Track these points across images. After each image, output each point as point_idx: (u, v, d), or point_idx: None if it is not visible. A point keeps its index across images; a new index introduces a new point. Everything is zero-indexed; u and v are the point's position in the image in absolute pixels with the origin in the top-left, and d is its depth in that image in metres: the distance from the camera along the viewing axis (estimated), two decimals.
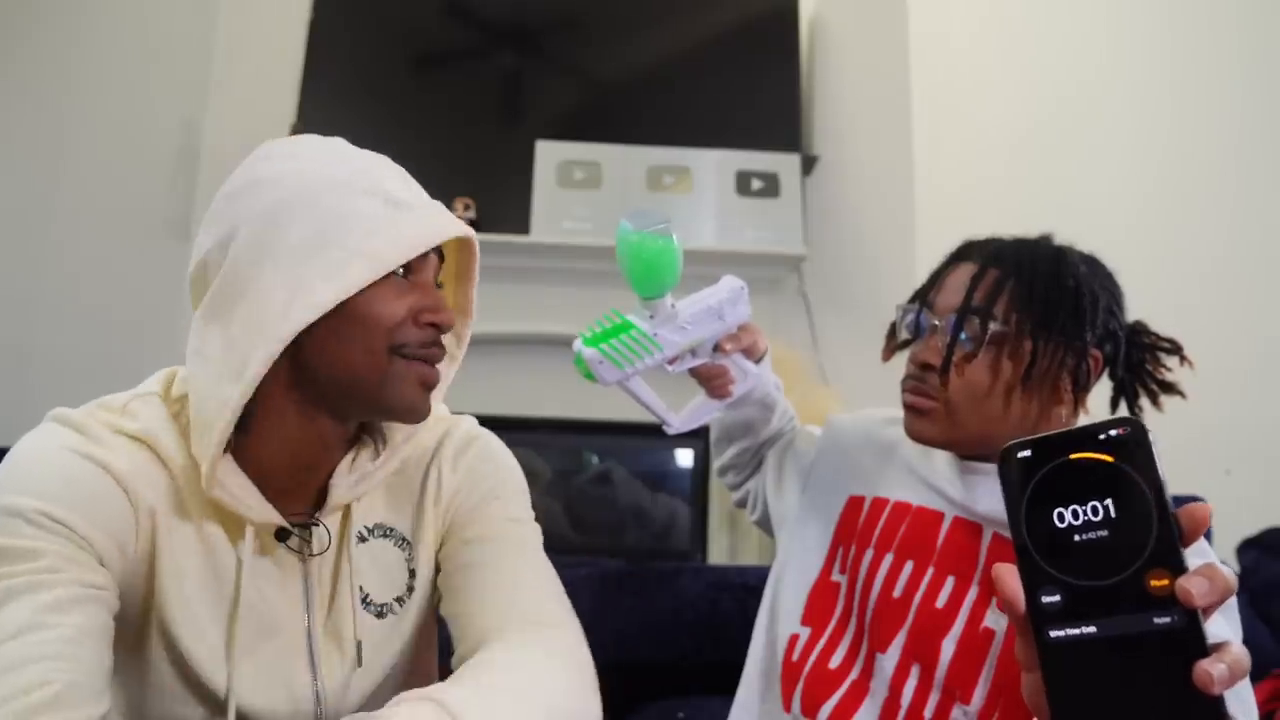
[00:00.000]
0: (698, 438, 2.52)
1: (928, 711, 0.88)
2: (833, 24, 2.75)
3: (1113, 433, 0.44)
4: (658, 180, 2.53)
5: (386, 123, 2.59)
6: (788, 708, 0.97)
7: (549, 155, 2.52)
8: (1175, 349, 1.00)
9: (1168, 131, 2.91)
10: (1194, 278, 2.77)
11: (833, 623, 0.99)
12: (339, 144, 0.76)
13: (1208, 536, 2.08)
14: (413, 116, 2.61)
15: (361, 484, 0.79)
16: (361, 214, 0.69)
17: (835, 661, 0.96)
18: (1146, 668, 0.41)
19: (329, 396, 0.73)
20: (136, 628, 0.71)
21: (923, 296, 0.98)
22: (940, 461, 0.99)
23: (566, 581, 0.82)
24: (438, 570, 0.84)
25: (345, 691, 0.78)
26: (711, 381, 1.02)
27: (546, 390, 2.47)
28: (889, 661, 0.92)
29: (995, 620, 0.88)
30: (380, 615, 0.80)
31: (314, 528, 0.78)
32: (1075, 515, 0.44)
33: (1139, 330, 1.00)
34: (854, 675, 0.94)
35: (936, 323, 0.94)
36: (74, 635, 0.62)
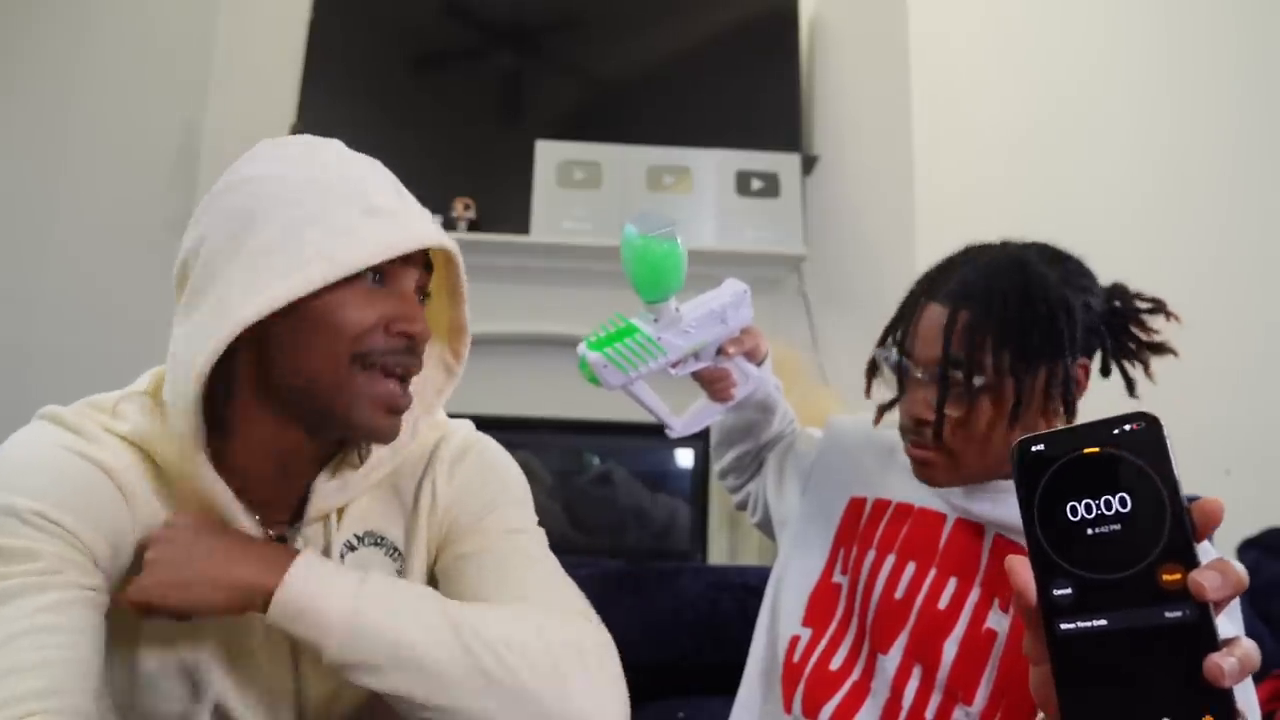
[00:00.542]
0: (698, 438, 2.52)
1: (929, 713, 0.88)
2: (833, 24, 2.75)
3: (1126, 427, 0.44)
4: (658, 180, 2.53)
5: (386, 123, 2.59)
6: (789, 709, 0.97)
7: (549, 155, 2.52)
8: (1158, 307, 1.00)
9: (1167, 131, 2.91)
10: (1193, 277, 2.77)
11: (834, 624, 0.99)
12: (330, 147, 0.75)
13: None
14: (413, 116, 2.61)
15: (343, 493, 0.77)
16: (332, 217, 0.68)
17: (836, 663, 0.96)
18: (1157, 661, 0.40)
19: (295, 407, 0.71)
20: (130, 624, 0.71)
21: (900, 344, 0.96)
22: None
23: None
24: (433, 582, 0.82)
25: (333, 701, 0.77)
26: (714, 385, 1.02)
27: (546, 390, 2.47)
28: (891, 663, 0.92)
29: (997, 621, 0.88)
30: None
31: (292, 536, 0.76)
32: (1088, 509, 0.44)
33: (1118, 294, 0.99)
34: (855, 676, 0.94)
35: (919, 375, 0.93)
36: (69, 640, 0.62)
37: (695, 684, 1.51)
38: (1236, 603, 0.86)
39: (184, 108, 2.71)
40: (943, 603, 0.91)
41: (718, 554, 2.48)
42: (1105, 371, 0.97)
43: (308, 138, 0.76)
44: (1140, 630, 0.41)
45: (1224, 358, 2.69)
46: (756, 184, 2.52)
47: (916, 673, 0.90)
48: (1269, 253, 2.85)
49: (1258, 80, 2.95)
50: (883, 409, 1.04)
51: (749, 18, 2.68)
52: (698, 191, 2.52)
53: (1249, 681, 0.80)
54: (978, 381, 0.89)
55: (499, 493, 0.83)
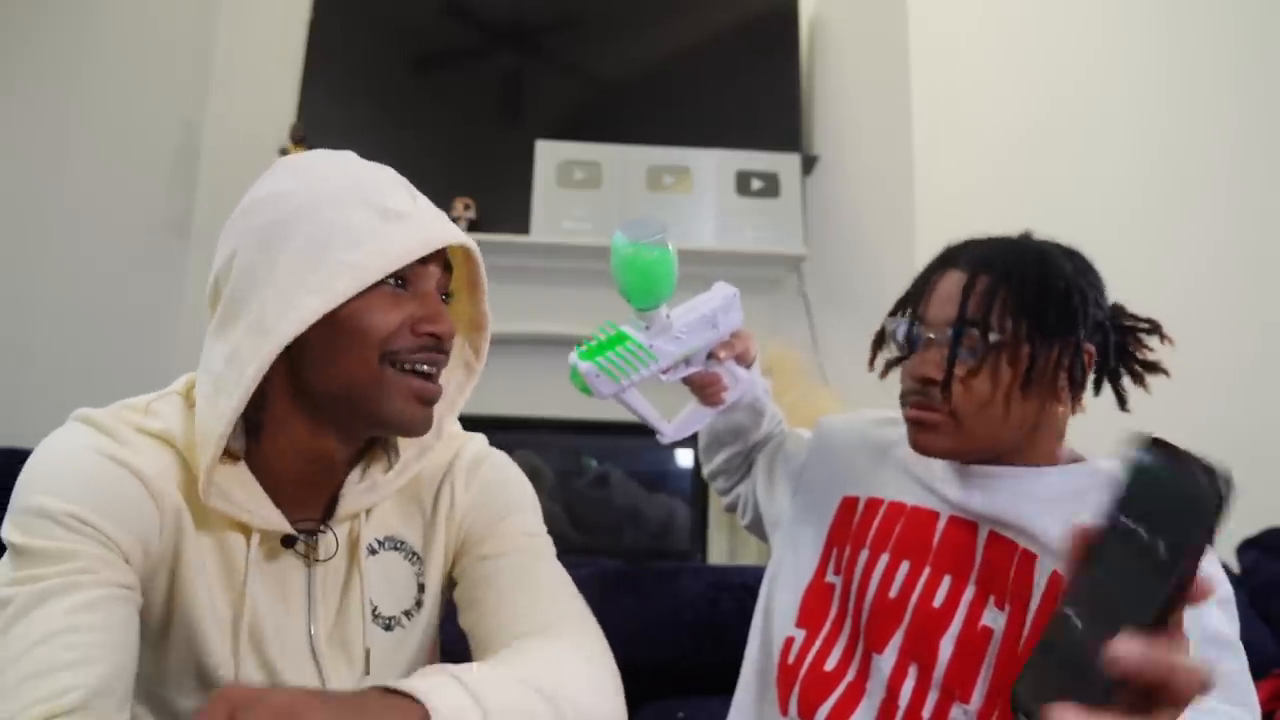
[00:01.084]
0: (697, 437, 2.52)
1: (926, 711, 0.88)
2: (833, 24, 2.75)
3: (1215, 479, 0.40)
4: (658, 180, 2.53)
5: (386, 123, 2.59)
6: (784, 710, 0.97)
7: (549, 155, 2.52)
8: (1154, 328, 1.00)
9: (1165, 131, 2.91)
10: (1192, 277, 2.77)
11: (828, 624, 0.99)
12: (345, 158, 0.77)
13: None
14: (413, 116, 2.61)
15: (372, 494, 0.80)
16: (352, 226, 0.70)
17: (831, 663, 0.96)
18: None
19: (329, 411, 0.74)
20: (160, 621, 0.72)
21: (913, 307, 0.96)
22: (936, 462, 0.98)
23: None
24: (450, 586, 0.85)
25: None
26: (704, 389, 1.02)
27: (546, 390, 2.46)
28: (886, 662, 0.92)
29: (993, 619, 0.88)
30: (388, 628, 0.81)
31: (321, 535, 0.78)
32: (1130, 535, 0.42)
33: (1118, 313, 1.00)
34: (850, 676, 0.94)
35: (931, 335, 0.92)
36: (106, 638, 0.64)
37: (695, 684, 1.51)
38: (1233, 604, 0.86)
39: (184, 108, 2.72)
40: (938, 601, 0.91)
41: (717, 554, 2.48)
42: (1102, 364, 0.97)
43: (322, 151, 0.78)
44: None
45: (1223, 358, 2.69)
46: (756, 184, 2.52)
47: (912, 672, 0.90)
48: (1268, 252, 2.85)
49: (1256, 80, 2.96)
50: (890, 365, 1.02)
51: (749, 18, 2.68)
52: (698, 191, 2.52)
53: (1245, 674, 0.80)
54: (993, 338, 0.89)
55: (514, 499, 0.86)
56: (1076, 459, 0.97)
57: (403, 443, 0.82)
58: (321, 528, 0.78)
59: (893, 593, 0.94)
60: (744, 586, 1.54)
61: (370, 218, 0.71)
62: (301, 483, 0.77)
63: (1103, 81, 2.94)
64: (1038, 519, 0.90)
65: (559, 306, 2.47)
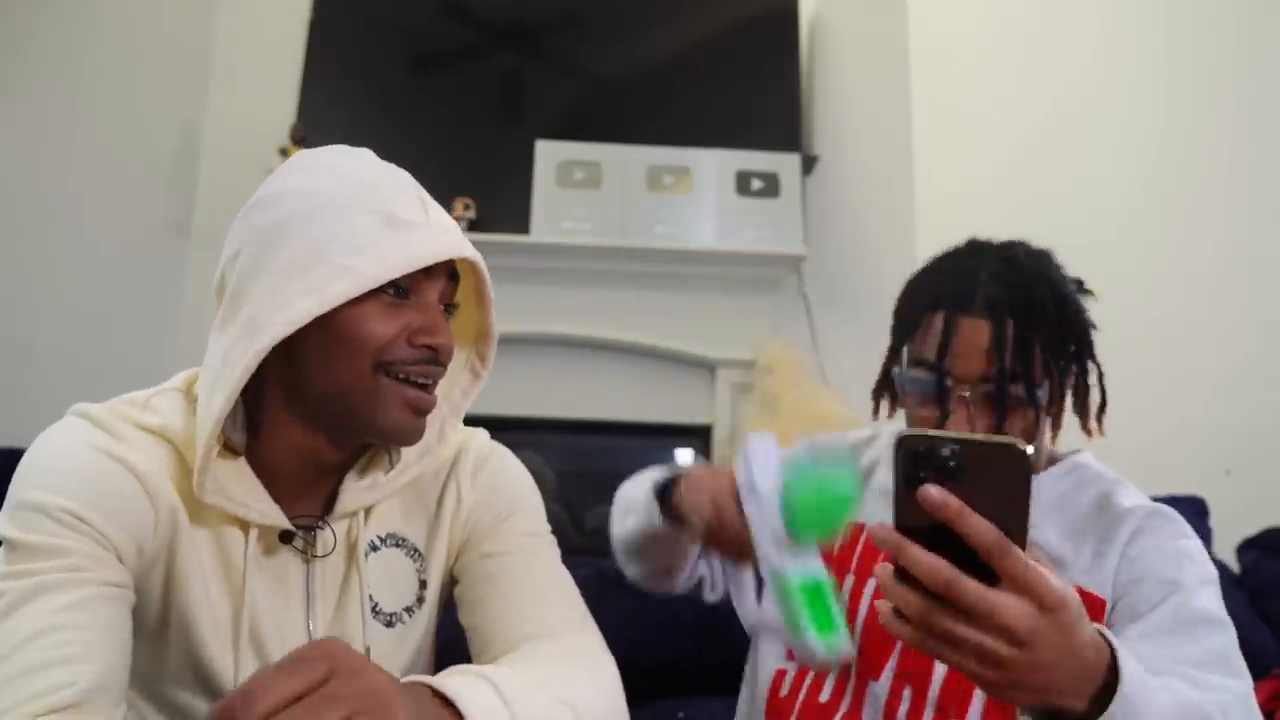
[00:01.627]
0: (697, 438, 2.52)
1: None
2: (833, 24, 2.75)
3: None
4: (658, 180, 2.53)
5: (386, 123, 2.59)
6: None
7: (549, 155, 2.52)
8: (1081, 288, 0.97)
9: (1164, 131, 2.91)
10: (1192, 277, 2.77)
11: None
12: (360, 158, 0.76)
13: (1208, 536, 2.08)
14: (413, 116, 2.61)
15: (372, 493, 0.79)
16: (354, 231, 0.70)
17: (826, 694, 0.94)
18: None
19: (322, 414, 0.74)
20: (157, 618, 0.72)
21: (935, 363, 0.89)
22: None
23: None
24: (452, 583, 0.85)
25: None
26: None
27: (546, 390, 2.47)
28: (882, 688, 0.91)
29: None
30: (389, 625, 0.81)
31: (319, 531, 0.78)
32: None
33: None
34: (845, 707, 0.93)
35: (965, 394, 0.88)
36: (97, 636, 0.64)
37: (695, 684, 1.51)
38: (1218, 585, 0.86)
39: (184, 108, 2.71)
40: None
41: None
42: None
43: (340, 148, 0.77)
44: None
45: (1222, 357, 2.69)
46: (756, 184, 2.52)
47: (907, 695, 0.89)
48: (1267, 252, 2.85)
49: (1255, 80, 2.95)
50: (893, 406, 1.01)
51: (749, 18, 2.68)
52: (698, 191, 2.52)
53: (1237, 651, 0.80)
54: (1040, 395, 0.87)
55: (519, 498, 0.86)
56: (1054, 458, 0.98)
57: None
58: (320, 524, 0.78)
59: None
60: None
61: (374, 224, 0.70)
62: (300, 479, 0.77)
63: (1102, 82, 2.94)
64: (1038, 531, 0.90)
65: (559, 306, 2.47)
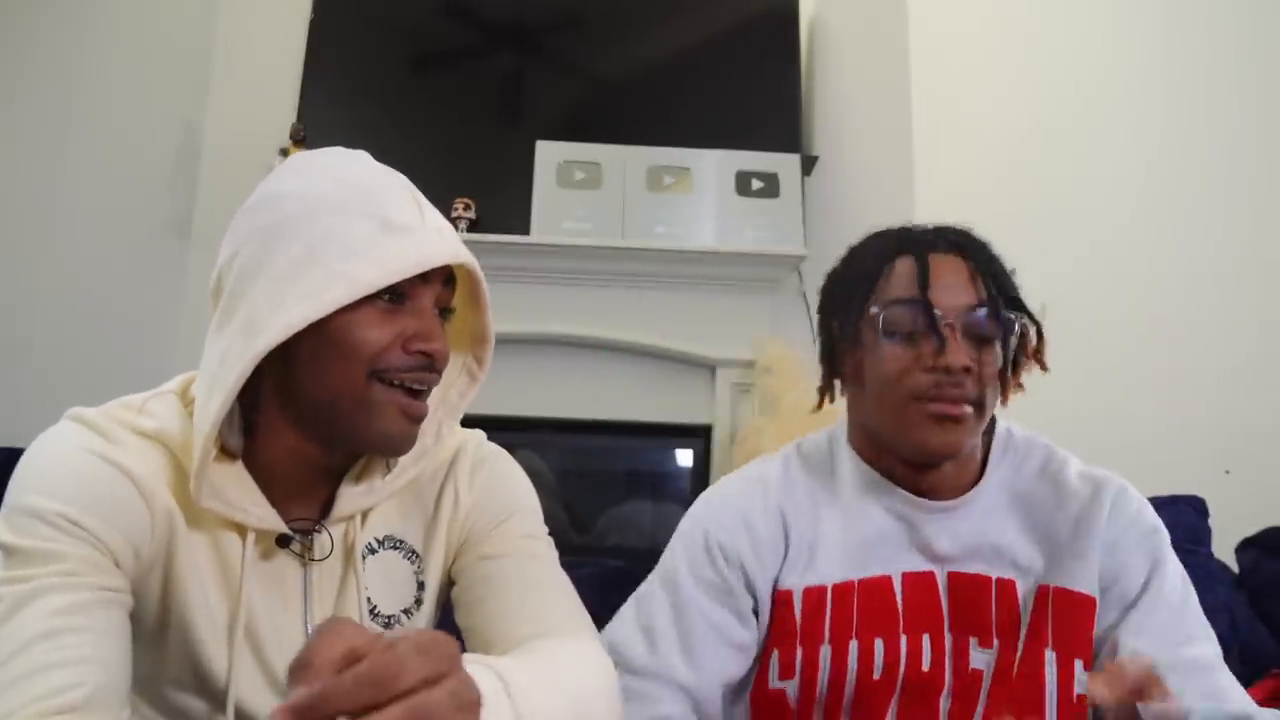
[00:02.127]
0: (697, 438, 2.52)
1: None
2: (833, 24, 2.75)
3: None
4: (658, 180, 2.53)
5: (386, 123, 2.59)
6: None
7: (549, 155, 2.52)
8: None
9: (1165, 131, 2.91)
10: (1192, 277, 2.77)
11: None
12: (356, 161, 0.76)
13: (1208, 536, 2.07)
14: (413, 116, 2.61)
15: (368, 497, 0.79)
16: (351, 235, 0.69)
17: None
18: None
19: (315, 420, 0.73)
20: (155, 622, 0.72)
21: (923, 295, 0.87)
22: (877, 514, 0.92)
23: None
24: (449, 584, 0.85)
25: None
26: None
27: (546, 390, 2.47)
28: None
29: (980, 659, 0.88)
30: (388, 626, 0.81)
31: (316, 534, 0.78)
32: None
33: None
34: None
35: (951, 322, 0.86)
36: (99, 639, 0.64)
37: None
38: (1192, 594, 0.87)
39: (184, 108, 2.71)
40: (925, 664, 0.88)
41: None
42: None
43: (338, 150, 0.77)
44: None
45: (1222, 357, 2.69)
46: (756, 184, 2.52)
47: None
48: (1267, 252, 2.85)
49: (1255, 80, 2.95)
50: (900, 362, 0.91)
51: (749, 18, 2.68)
52: (698, 191, 2.52)
53: (1222, 667, 0.82)
54: (1020, 319, 0.88)
55: (516, 500, 0.86)
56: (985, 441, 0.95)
57: None
58: (317, 527, 0.78)
59: (876, 674, 0.89)
60: None
61: (370, 228, 0.70)
62: (297, 483, 0.77)
63: (1103, 81, 2.94)
64: (1003, 536, 0.89)
65: (559, 306, 2.47)
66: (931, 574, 0.90)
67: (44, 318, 2.68)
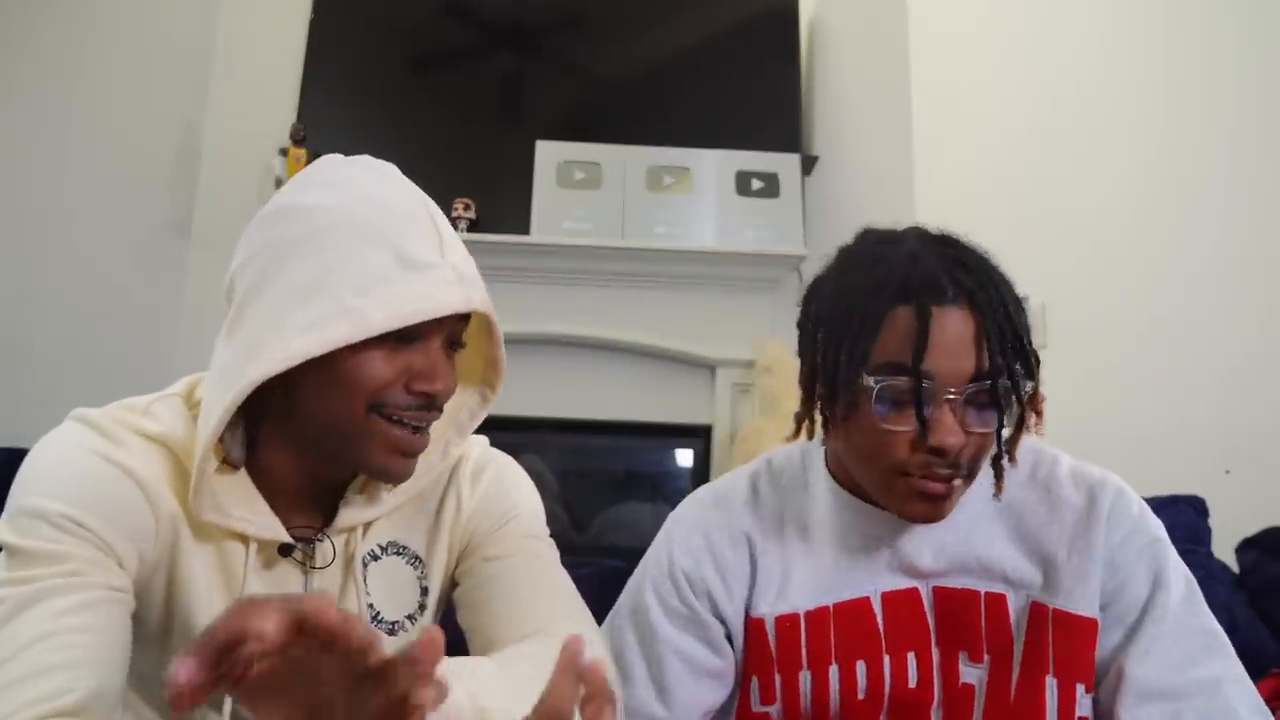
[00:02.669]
0: (697, 438, 2.52)
1: None
2: (833, 24, 2.75)
3: None
4: (658, 180, 2.53)
5: (386, 123, 2.59)
6: None
7: (549, 155, 2.52)
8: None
9: (1166, 131, 2.91)
10: (1193, 277, 2.77)
11: None
12: (383, 178, 0.74)
13: (1208, 536, 2.07)
14: (413, 116, 2.61)
15: (372, 509, 0.79)
16: (364, 266, 0.67)
17: None
18: None
19: (313, 444, 0.73)
20: (159, 623, 0.72)
21: (911, 365, 0.77)
22: (852, 535, 0.89)
23: None
24: (452, 587, 0.85)
25: None
26: None
27: (546, 390, 2.47)
28: None
29: (971, 674, 0.86)
30: (392, 633, 0.80)
31: (318, 543, 0.78)
32: None
33: None
34: None
35: (951, 395, 0.77)
36: (97, 641, 0.63)
37: None
38: (1196, 598, 0.84)
39: (184, 108, 2.71)
40: (912, 681, 0.86)
41: None
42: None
43: (366, 162, 0.75)
44: None
45: (1222, 357, 2.69)
46: (756, 184, 2.52)
47: None
48: (1267, 252, 2.85)
49: (1255, 80, 2.95)
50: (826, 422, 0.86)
51: (749, 18, 2.68)
52: (698, 191, 2.52)
53: (1241, 672, 0.81)
54: (1028, 387, 0.79)
55: (518, 502, 0.86)
56: None
57: None
58: (318, 536, 0.78)
59: (860, 695, 0.86)
60: None
61: (386, 261, 0.67)
62: (299, 493, 0.76)
63: (1103, 81, 2.93)
64: (991, 547, 0.86)
65: (559, 306, 2.47)
66: (915, 590, 0.87)
67: (44, 318, 2.68)
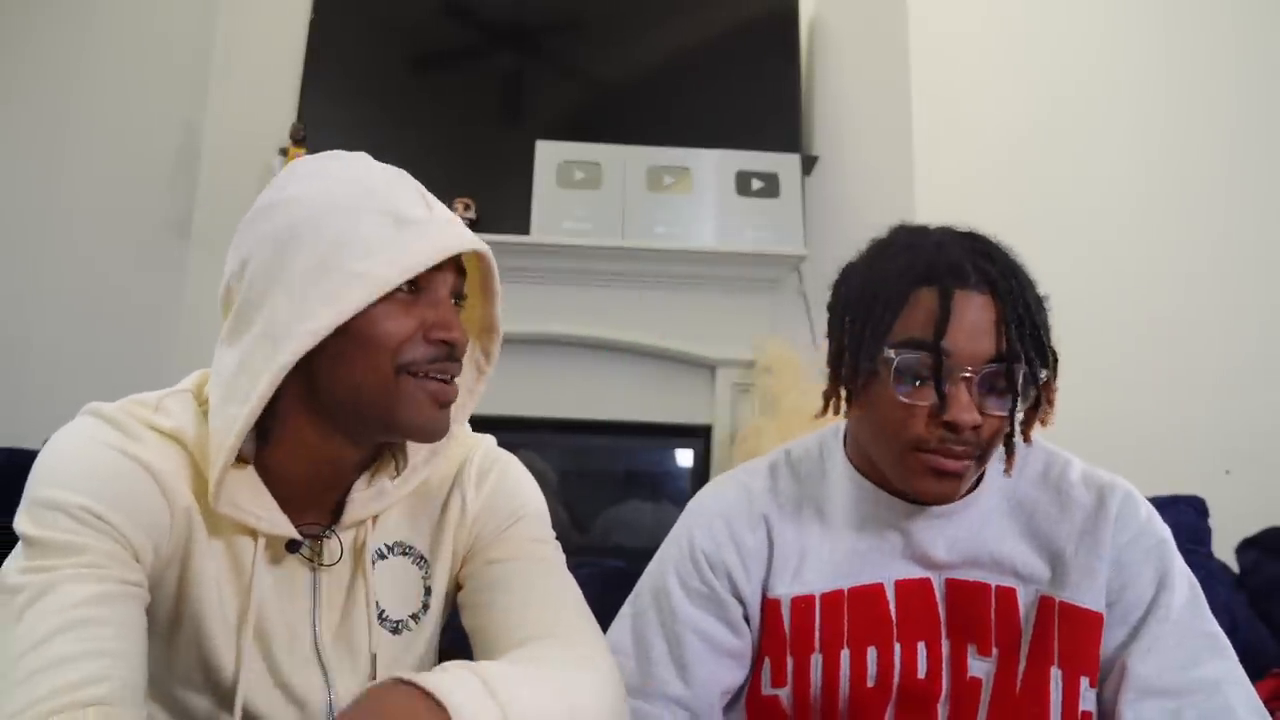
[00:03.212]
0: (697, 438, 2.52)
1: None
2: (833, 24, 2.75)
3: None
4: (658, 180, 2.53)
5: (386, 123, 2.59)
6: None
7: (549, 155, 2.52)
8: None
9: (1166, 131, 2.91)
10: (1193, 277, 2.77)
11: None
12: (357, 162, 0.77)
13: (1208, 536, 2.08)
14: (413, 116, 2.61)
15: (379, 501, 0.80)
16: (364, 235, 0.70)
17: None
18: None
19: (343, 416, 0.74)
20: (169, 619, 0.73)
21: (932, 342, 0.80)
22: (869, 522, 0.90)
23: None
24: (456, 588, 0.85)
25: None
26: None
27: (547, 390, 2.47)
28: None
29: (979, 668, 0.87)
30: (396, 631, 0.81)
31: (326, 540, 0.78)
32: None
33: None
34: None
35: (968, 374, 0.80)
36: (120, 633, 0.64)
37: None
38: (1199, 599, 0.85)
39: (183, 108, 2.72)
40: (921, 671, 0.87)
41: None
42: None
43: (337, 153, 0.78)
44: None
45: (1222, 357, 2.69)
46: (756, 184, 2.52)
47: None
48: (1267, 252, 2.85)
49: (1255, 80, 2.96)
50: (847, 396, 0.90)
51: (749, 18, 2.68)
52: (698, 191, 2.52)
53: (1242, 677, 0.81)
54: (1043, 374, 0.83)
55: (524, 504, 0.86)
56: None
57: (411, 448, 0.82)
58: (326, 532, 0.78)
59: (870, 682, 0.88)
60: None
61: (383, 225, 0.70)
62: (309, 487, 0.77)
63: (1103, 81, 2.94)
64: (1003, 543, 0.88)
65: (559, 306, 2.47)
66: (928, 580, 0.89)
67: (44, 318, 2.68)
